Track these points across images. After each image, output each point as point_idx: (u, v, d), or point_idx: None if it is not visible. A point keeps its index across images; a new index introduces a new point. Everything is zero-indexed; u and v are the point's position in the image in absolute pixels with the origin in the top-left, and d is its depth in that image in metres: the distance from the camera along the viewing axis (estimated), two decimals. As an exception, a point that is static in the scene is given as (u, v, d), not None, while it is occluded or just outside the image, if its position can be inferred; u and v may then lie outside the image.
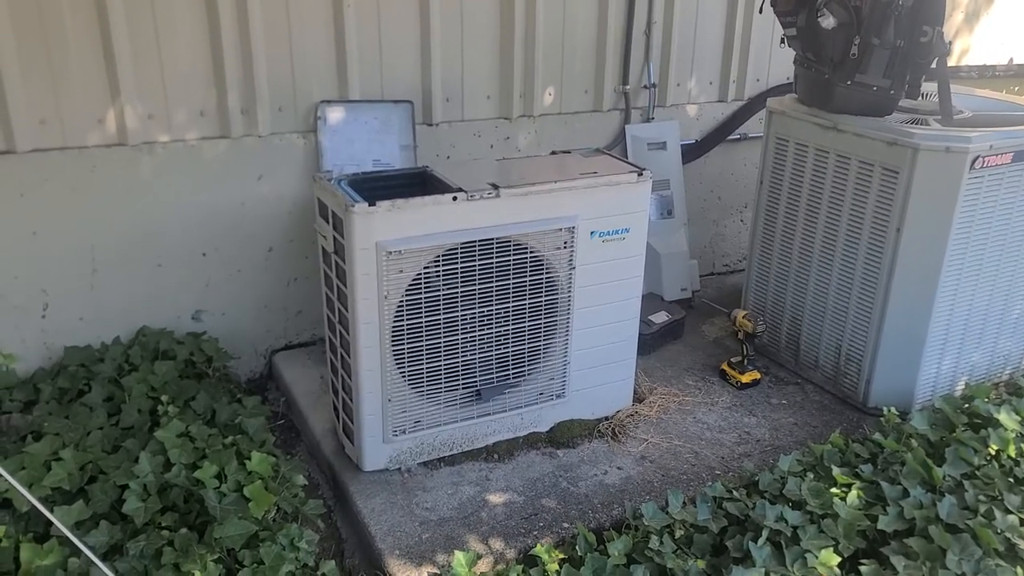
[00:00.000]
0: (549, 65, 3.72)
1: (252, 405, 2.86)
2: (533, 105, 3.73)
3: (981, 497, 2.45)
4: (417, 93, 3.50)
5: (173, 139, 3.13)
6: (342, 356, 2.72)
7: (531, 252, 2.70)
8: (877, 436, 2.73)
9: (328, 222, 2.61)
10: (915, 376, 3.09)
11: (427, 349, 2.66)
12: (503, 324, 2.75)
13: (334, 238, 2.59)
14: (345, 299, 2.59)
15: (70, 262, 3.07)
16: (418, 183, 2.79)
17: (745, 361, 3.36)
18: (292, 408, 3.27)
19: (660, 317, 3.70)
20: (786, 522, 2.38)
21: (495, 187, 2.61)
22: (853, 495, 2.46)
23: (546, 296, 2.79)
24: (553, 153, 3.11)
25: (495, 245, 2.63)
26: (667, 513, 2.48)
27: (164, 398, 2.78)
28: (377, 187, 2.70)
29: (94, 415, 2.73)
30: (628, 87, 3.90)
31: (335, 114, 3.36)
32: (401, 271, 2.52)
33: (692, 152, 4.14)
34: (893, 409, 2.89)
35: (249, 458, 2.54)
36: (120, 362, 2.99)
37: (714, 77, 4.16)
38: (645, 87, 3.96)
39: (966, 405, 2.88)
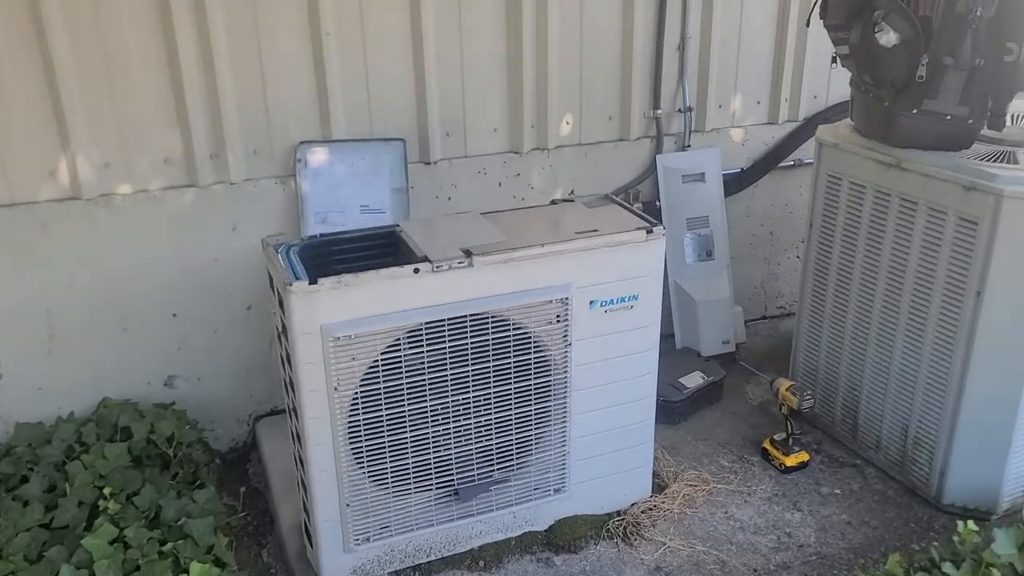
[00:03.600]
0: (566, 90, 3.27)
1: (204, 499, 2.51)
2: (547, 136, 3.28)
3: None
4: (412, 128, 3.10)
5: (134, 190, 2.81)
6: (298, 452, 2.35)
7: (515, 328, 2.27)
8: (948, 569, 2.18)
9: (275, 296, 2.24)
10: (1001, 470, 2.53)
11: (391, 445, 2.25)
12: (484, 413, 2.33)
13: (280, 316, 2.21)
14: (294, 388, 2.21)
15: (23, 328, 2.79)
16: (388, 246, 2.38)
17: (790, 440, 2.84)
18: (268, 488, 2.91)
19: (694, 380, 3.20)
20: None
21: (467, 254, 2.18)
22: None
23: (536, 378, 2.35)
24: (553, 203, 2.66)
25: (469, 322, 2.20)
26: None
27: (106, 491, 2.46)
28: (334, 255, 2.31)
29: (28, 511, 2.42)
30: (660, 112, 3.41)
31: (317, 156, 2.99)
32: (353, 359, 2.12)
33: (737, 182, 3.62)
34: (971, 525, 2.32)
35: (187, 572, 2.18)
36: (71, 443, 2.68)
37: (762, 96, 3.62)
38: (679, 111, 3.46)
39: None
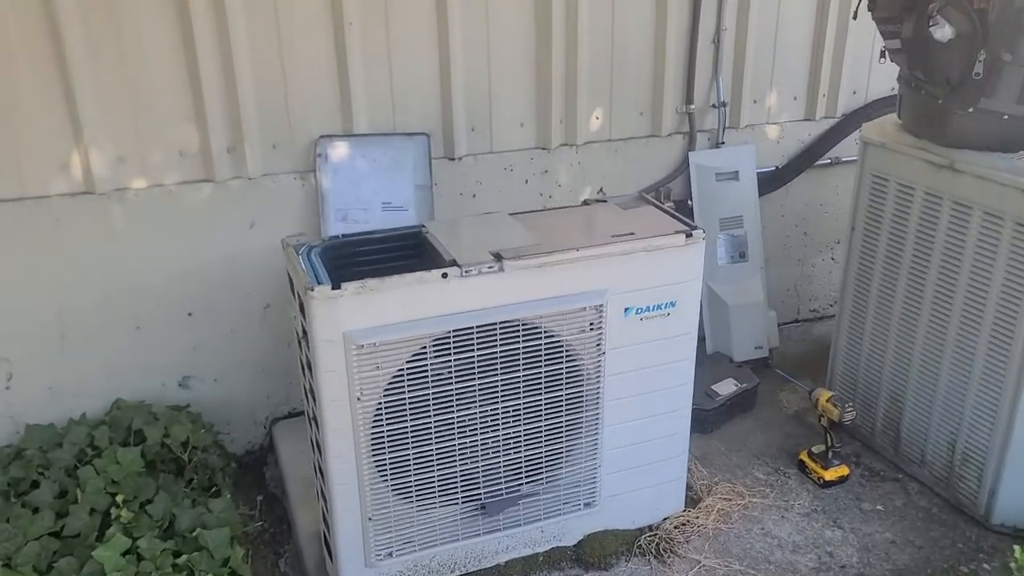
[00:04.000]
0: (596, 84, 3.14)
1: (220, 509, 2.41)
2: (576, 132, 3.15)
3: None
4: (436, 122, 2.98)
5: (149, 184, 2.71)
6: (318, 461, 2.24)
7: (547, 336, 2.15)
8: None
9: (296, 300, 2.13)
10: (1055, 489, 2.40)
11: (416, 457, 2.14)
12: (512, 424, 2.21)
13: (301, 321, 2.10)
14: (315, 396, 2.10)
15: (34, 327, 2.69)
16: (413, 248, 2.27)
17: (830, 453, 2.71)
18: (285, 494, 2.81)
19: (727, 387, 3.08)
20: None
21: (498, 258, 2.06)
22: None
23: (568, 388, 2.23)
24: (585, 203, 2.53)
25: (499, 330, 2.09)
26: None
27: (119, 498, 2.36)
28: (357, 256, 2.21)
29: (38, 518, 2.34)
30: (693, 107, 3.27)
31: (338, 151, 2.88)
32: (377, 367, 2.01)
33: (772, 181, 3.48)
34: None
35: (202, 584, 2.09)
36: (83, 446, 2.59)
37: (799, 91, 3.48)
38: (713, 106, 3.32)
39: None
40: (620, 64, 3.15)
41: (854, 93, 3.54)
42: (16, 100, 2.49)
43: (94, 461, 2.52)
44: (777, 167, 3.50)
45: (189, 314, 2.87)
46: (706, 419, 2.98)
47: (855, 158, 3.51)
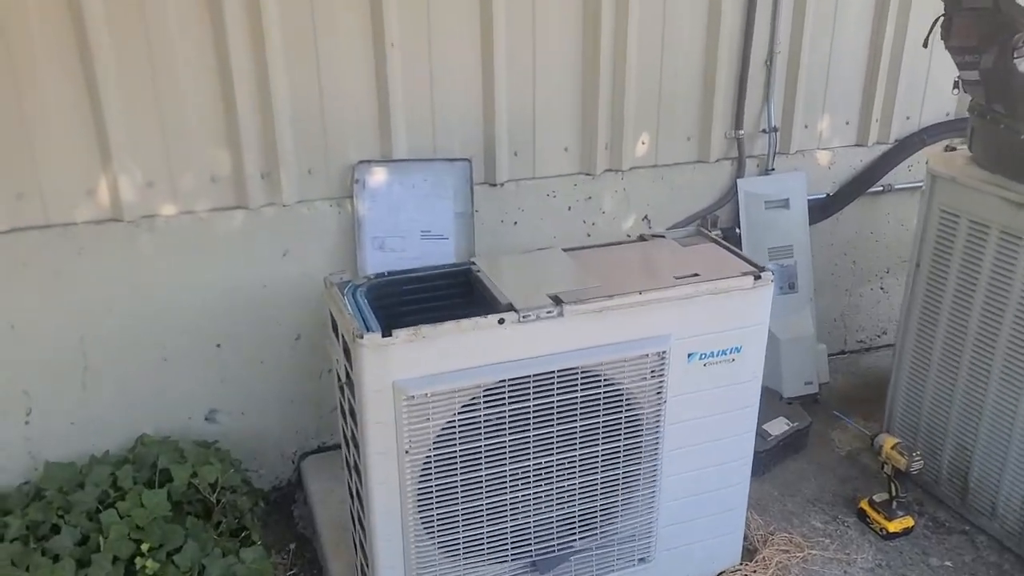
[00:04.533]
0: (643, 108, 3.00)
1: (252, 559, 2.28)
2: (622, 157, 3.02)
3: None
4: (478, 147, 2.85)
5: (179, 211, 2.59)
6: (358, 512, 2.11)
7: (606, 384, 2.01)
8: None
9: (339, 343, 1.99)
10: None
11: (465, 513, 2.00)
12: (567, 477, 2.08)
13: (345, 367, 1.96)
14: (358, 447, 1.97)
15: (56, 359, 2.57)
16: (463, 286, 2.14)
17: (894, 503, 2.56)
18: (316, 535, 2.68)
19: (778, 426, 2.93)
20: None
21: (557, 302, 1.93)
22: None
23: (627, 438, 2.09)
24: (641, 238, 2.39)
25: (557, 378, 1.95)
26: None
27: (144, 547, 2.23)
28: (404, 295, 2.07)
29: (59, 568, 2.21)
30: (742, 132, 3.14)
31: (376, 176, 2.75)
32: (427, 419, 1.87)
33: (822, 209, 3.34)
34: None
35: (234, 647, 1.96)
36: (105, 487, 2.46)
37: (852, 116, 3.34)
38: (763, 131, 3.18)
39: None
40: (668, 88, 3.02)
41: (907, 118, 3.40)
42: (42, 123, 2.37)
43: (117, 504, 2.39)
44: (828, 195, 3.36)
45: (217, 345, 2.74)
46: (758, 461, 2.81)
47: (908, 185, 3.42)
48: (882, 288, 3.64)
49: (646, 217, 3.12)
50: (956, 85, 2.44)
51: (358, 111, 2.69)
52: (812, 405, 3.20)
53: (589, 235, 3.06)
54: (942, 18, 2.40)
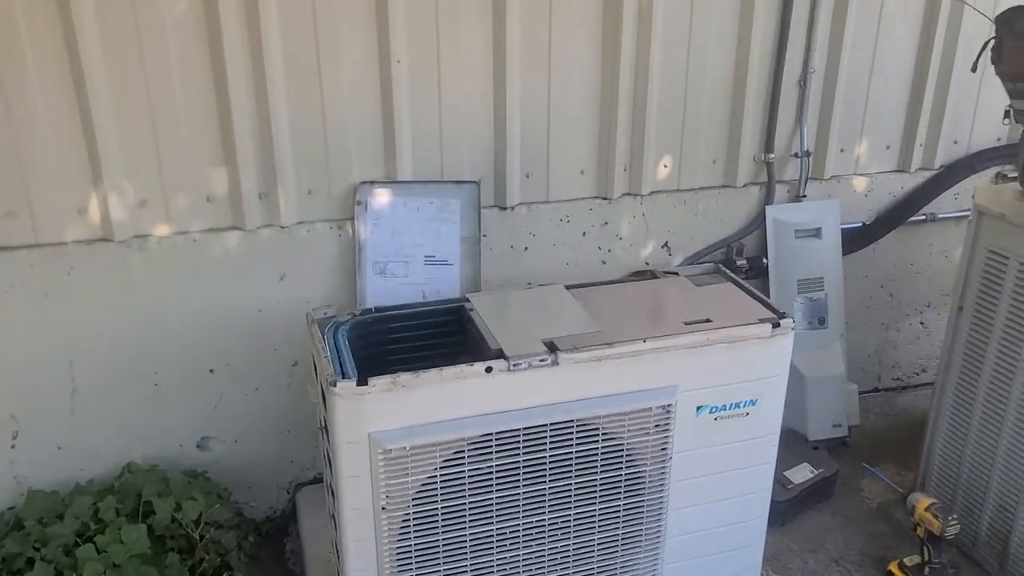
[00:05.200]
0: (665, 128, 2.83)
1: (228, 606, 2.16)
2: (641, 180, 2.85)
3: None
4: (487, 168, 2.70)
5: (172, 231, 2.48)
6: (337, 566, 1.97)
7: (604, 438, 1.85)
8: None
9: (319, 387, 1.86)
10: None
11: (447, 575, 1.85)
12: (560, 538, 1.91)
13: (322, 414, 1.83)
14: (335, 498, 1.83)
15: (43, 382, 2.48)
16: (454, 324, 1.99)
17: (927, 569, 2.35)
18: (303, 574, 2.55)
19: (801, 473, 2.74)
20: None
21: (551, 349, 1.77)
22: None
23: (627, 497, 1.93)
24: (653, 275, 2.22)
25: (549, 432, 1.79)
26: None
27: (118, 588, 2.13)
28: (391, 333, 1.93)
29: (29, 606, 2.11)
30: (772, 156, 2.94)
31: (380, 198, 2.62)
32: (406, 474, 1.73)
33: (858, 239, 3.12)
34: None
35: None
36: (85, 519, 2.36)
37: (892, 140, 3.12)
38: (795, 155, 2.98)
39: None
40: (693, 107, 2.84)
41: (955, 143, 3.17)
42: (32, 139, 2.27)
43: (97, 538, 2.29)
44: (864, 223, 3.14)
45: (211, 370, 2.64)
46: (778, 511, 2.63)
47: (954, 215, 3.19)
48: (922, 323, 3.41)
49: (666, 244, 2.94)
50: (1007, 114, 2.23)
51: (362, 129, 2.56)
52: (841, 449, 2.99)
53: (604, 262, 2.89)
54: (992, 41, 2.19)
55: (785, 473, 2.72)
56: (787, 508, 2.67)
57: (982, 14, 2.64)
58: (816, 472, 2.75)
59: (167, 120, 2.37)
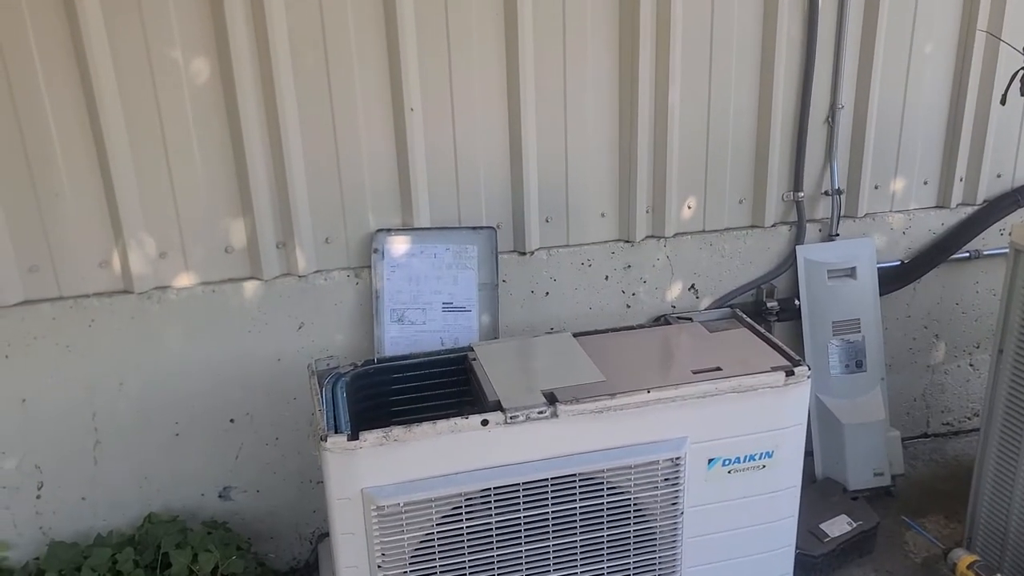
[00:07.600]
0: (689, 168, 2.77)
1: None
2: (665, 223, 2.78)
3: None
4: (505, 213, 2.68)
5: (191, 282, 2.51)
6: (339, 622, 1.92)
7: (611, 493, 1.77)
8: None
9: (317, 439, 1.83)
10: None
11: (448, 634, 1.79)
12: (568, 597, 1.83)
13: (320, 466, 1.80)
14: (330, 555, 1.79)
15: (67, 433, 2.51)
16: (457, 375, 1.95)
17: (970, 632, 2.20)
18: (323, 630, 2.51)
19: (838, 526, 2.60)
20: None
21: (551, 401, 1.71)
22: None
23: (637, 555, 1.84)
24: (666, 322, 2.15)
25: (551, 486, 1.73)
26: None
27: (129, 644, 2.11)
28: (393, 384, 1.90)
29: (41, 661, 2.11)
30: (802, 195, 2.85)
31: (397, 246, 2.61)
32: (402, 531, 1.68)
33: (895, 279, 3.00)
34: None
35: None
36: (103, 572, 2.37)
37: (931, 175, 3.00)
38: (826, 193, 2.89)
39: None
40: (717, 146, 2.78)
41: (998, 176, 3.03)
42: (52, 193, 2.33)
43: (113, 591, 2.29)
44: (903, 262, 3.01)
45: (231, 420, 2.64)
46: (813, 567, 2.50)
47: (1001, 251, 3.04)
48: (971, 365, 3.24)
49: (693, 286, 2.87)
50: (1040, 147, 2.12)
51: (377, 178, 2.56)
52: (884, 500, 2.84)
53: (629, 306, 2.83)
54: (1021, 71, 2.09)
55: (821, 526, 2.59)
56: (824, 564, 2.53)
57: (1011, 47, 2.53)
58: (855, 525, 2.61)
59: (185, 173, 2.41)
